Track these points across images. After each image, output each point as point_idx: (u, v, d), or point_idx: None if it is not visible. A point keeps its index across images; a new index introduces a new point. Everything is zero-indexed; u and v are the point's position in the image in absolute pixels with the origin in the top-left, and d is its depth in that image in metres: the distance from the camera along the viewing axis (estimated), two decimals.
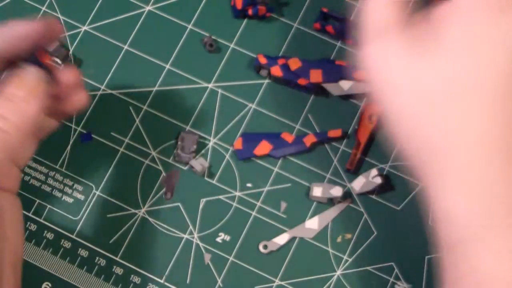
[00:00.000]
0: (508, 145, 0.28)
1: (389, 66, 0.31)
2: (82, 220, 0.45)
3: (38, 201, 0.45)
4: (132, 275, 0.44)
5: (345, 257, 0.44)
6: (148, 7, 0.48)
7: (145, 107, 0.46)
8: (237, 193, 0.45)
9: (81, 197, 0.45)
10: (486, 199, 0.29)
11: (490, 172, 0.29)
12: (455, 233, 0.29)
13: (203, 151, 0.45)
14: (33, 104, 0.34)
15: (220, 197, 0.45)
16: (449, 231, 0.30)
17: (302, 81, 0.45)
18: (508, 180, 0.28)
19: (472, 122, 0.29)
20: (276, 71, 0.45)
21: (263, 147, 0.45)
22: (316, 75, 0.45)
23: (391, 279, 0.44)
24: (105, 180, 0.45)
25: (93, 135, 0.46)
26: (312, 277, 0.44)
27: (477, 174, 0.29)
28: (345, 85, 0.45)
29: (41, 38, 0.35)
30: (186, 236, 0.44)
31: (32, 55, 0.35)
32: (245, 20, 0.47)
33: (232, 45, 0.47)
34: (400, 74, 0.31)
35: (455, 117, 0.29)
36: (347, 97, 0.46)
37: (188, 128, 0.46)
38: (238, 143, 0.45)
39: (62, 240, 0.44)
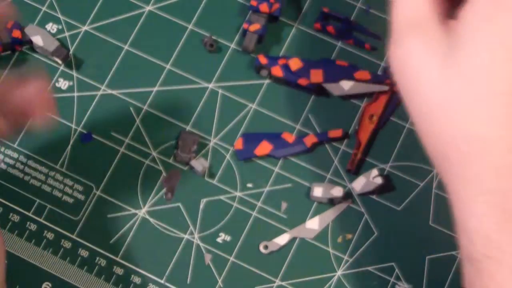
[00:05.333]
0: None
1: (422, 67, 0.29)
2: (83, 220, 0.44)
3: (38, 201, 0.45)
4: (132, 275, 0.44)
5: (345, 257, 0.44)
6: (149, 7, 0.48)
7: (145, 107, 0.46)
8: (238, 194, 0.45)
9: (81, 197, 0.45)
10: (507, 215, 0.27)
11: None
12: (472, 247, 0.28)
13: (203, 151, 0.45)
14: None
15: (221, 197, 0.45)
16: (467, 243, 0.28)
17: (302, 81, 0.45)
18: None
19: (496, 128, 0.27)
20: (277, 71, 0.45)
21: (264, 147, 0.45)
22: (316, 75, 0.45)
23: (392, 280, 0.44)
24: (105, 180, 0.45)
25: (93, 135, 0.46)
26: (313, 277, 0.44)
27: (499, 187, 0.27)
28: (345, 85, 0.45)
29: None
30: (186, 236, 0.44)
31: None
32: None
33: (232, 45, 0.47)
34: (434, 75, 0.28)
35: (480, 122, 0.27)
36: (347, 97, 0.46)
37: (188, 128, 0.46)
38: (238, 143, 0.45)
39: (62, 240, 0.44)
